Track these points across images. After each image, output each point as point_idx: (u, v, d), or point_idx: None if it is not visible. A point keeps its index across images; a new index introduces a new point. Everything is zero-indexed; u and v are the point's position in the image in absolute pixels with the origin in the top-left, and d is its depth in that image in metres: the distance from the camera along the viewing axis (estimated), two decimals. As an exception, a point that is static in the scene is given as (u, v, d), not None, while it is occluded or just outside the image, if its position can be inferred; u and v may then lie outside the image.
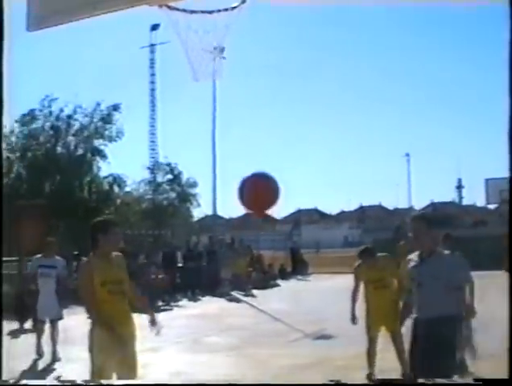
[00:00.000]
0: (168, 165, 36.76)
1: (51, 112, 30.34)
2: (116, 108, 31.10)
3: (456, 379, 5.72)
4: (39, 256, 11.47)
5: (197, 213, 39.93)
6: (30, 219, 23.10)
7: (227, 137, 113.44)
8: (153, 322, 6.09)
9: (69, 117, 30.55)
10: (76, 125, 30.76)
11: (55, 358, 10.72)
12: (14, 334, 13.50)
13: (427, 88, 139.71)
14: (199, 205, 37.19)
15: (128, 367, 5.83)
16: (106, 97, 61.33)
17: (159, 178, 36.60)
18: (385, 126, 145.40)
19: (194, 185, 36.33)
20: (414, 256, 6.03)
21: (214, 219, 31.13)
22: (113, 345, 5.67)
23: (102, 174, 32.03)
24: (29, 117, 30.02)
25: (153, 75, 46.24)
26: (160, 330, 6.13)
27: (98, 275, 5.78)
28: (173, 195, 36.01)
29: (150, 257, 21.91)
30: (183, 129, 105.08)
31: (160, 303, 19.79)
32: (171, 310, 18.89)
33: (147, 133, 44.40)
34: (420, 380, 5.49)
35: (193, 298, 21.87)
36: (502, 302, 5.32)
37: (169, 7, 4.49)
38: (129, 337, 5.89)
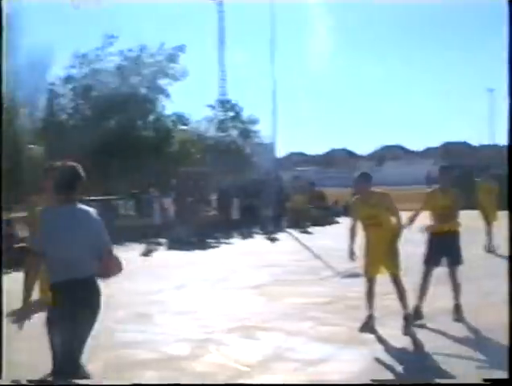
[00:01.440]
0: (229, 102, 36.40)
1: (121, 52, 30.37)
2: (181, 49, 30.90)
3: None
4: None
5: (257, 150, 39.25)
6: (79, 159, 23.43)
7: (288, 76, 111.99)
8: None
9: (135, 56, 30.47)
10: (141, 65, 30.65)
11: None
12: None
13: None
14: (261, 142, 36.57)
15: None
16: (172, 36, 61.08)
17: (221, 116, 36.29)
18: (468, 60, 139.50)
19: (255, 122, 35.84)
20: None
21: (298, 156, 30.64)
22: None
23: (166, 112, 32.06)
24: (92, 57, 30.13)
25: (221, 12, 45.24)
26: None
27: None
28: (235, 132, 35.70)
29: (203, 194, 21.85)
30: (244, 67, 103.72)
31: (210, 240, 19.78)
32: (218, 247, 18.84)
33: (209, 70, 43.76)
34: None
35: (248, 235, 21.72)
36: None
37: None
38: None
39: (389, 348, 6.99)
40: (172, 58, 30.57)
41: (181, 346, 7.39)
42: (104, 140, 27.07)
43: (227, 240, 20.16)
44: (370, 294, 7.85)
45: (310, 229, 23.16)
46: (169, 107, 32.28)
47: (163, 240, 19.69)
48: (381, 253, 7.68)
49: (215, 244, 19.22)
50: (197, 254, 17.18)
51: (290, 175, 33.02)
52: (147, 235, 19.60)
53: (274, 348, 7.16)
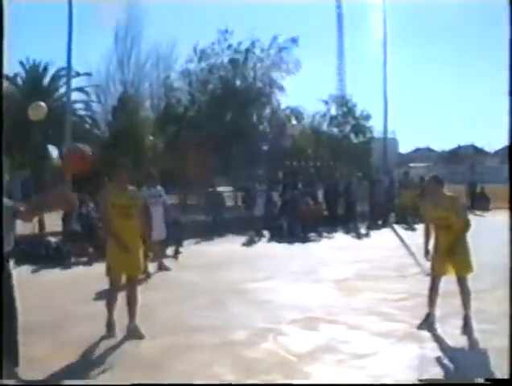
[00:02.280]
0: (344, 97, 36.03)
1: (229, 46, 30.88)
2: (293, 41, 30.99)
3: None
4: (145, 188, 12.01)
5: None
6: (194, 150, 24.36)
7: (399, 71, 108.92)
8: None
9: (247, 50, 30.88)
10: (254, 59, 31.04)
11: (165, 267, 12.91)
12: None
13: None
14: (373, 137, 35.84)
15: (132, 268, 7.52)
16: (286, 29, 61.23)
17: (335, 111, 36.03)
18: None
19: (368, 118, 35.18)
20: None
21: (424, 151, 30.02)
22: (119, 252, 7.30)
23: (281, 106, 32.26)
24: (208, 52, 30.77)
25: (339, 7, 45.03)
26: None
27: (112, 200, 7.49)
28: (347, 127, 35.33)
29: (306, 188, 22.02)
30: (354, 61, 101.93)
31: (312, 234, 19.93)
32: (317, 241, 18.98)
33: (322, 64, 43.47)
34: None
35: (352, 230, 21.65)
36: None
37: None
38: (133, 246, 7.41)
39: (441, 347, 7.02)
40: (285, 50, 30.70)
41: (242, 333, 7.73)
42: (219, 133, 27.81)
43: (329, 235, 20.20)
44: (433, 292, 8.00)
45: (416, 226, 22.84)
46: (283, 101, 32.33)
47: (265, 232, 20.07)
48: (448, 255, 7.79)
49: (315, 238, 19.35)
50: (296, 247, 17.45)
51: (412, 171, 32.43)
52: (251, 226, 20.07)
53: (329, 340, 7.36)
